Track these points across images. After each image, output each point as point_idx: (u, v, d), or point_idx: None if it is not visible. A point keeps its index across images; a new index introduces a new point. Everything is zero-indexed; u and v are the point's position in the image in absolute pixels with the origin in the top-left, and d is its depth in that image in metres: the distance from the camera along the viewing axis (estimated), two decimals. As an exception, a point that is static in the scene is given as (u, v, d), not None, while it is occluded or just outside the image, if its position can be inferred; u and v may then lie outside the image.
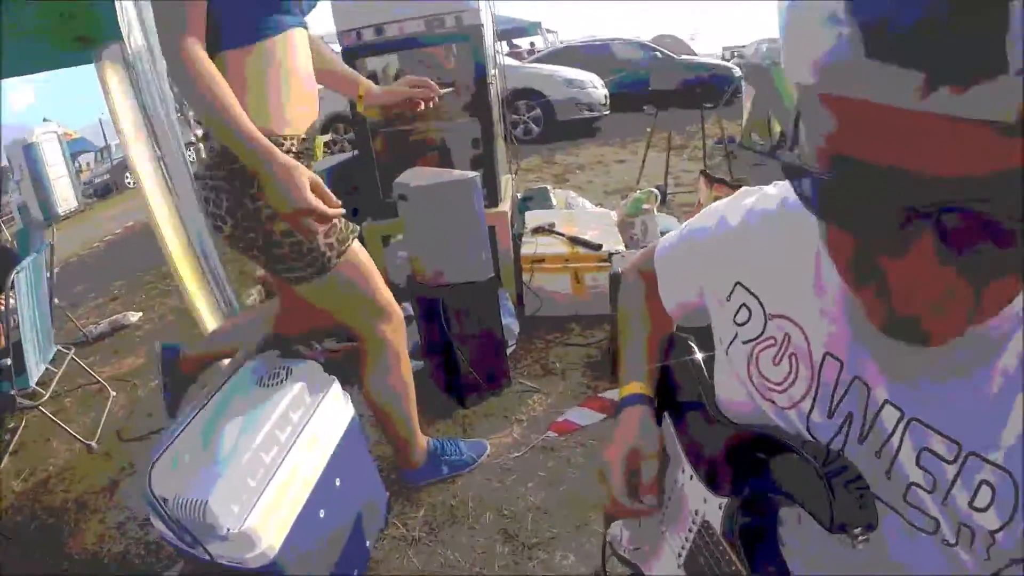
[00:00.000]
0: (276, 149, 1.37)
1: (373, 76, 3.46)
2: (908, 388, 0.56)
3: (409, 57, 3.54)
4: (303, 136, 1.64)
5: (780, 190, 0.73)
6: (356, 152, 3.52)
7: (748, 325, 0.71)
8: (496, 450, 2.33)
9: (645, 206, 4.03)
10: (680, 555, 0.81)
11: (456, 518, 2.04)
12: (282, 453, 1.50)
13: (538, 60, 10.80)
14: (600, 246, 3.30)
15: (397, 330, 1.86)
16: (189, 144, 5.82)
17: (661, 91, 5.92)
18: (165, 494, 1.33)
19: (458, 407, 2.61)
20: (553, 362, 2.91)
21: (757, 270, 0.71)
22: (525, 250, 3.33)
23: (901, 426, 0.56)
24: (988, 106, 0.32)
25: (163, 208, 2.68)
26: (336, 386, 1.75)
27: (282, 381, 1.64)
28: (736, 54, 8.87)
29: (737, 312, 0.73)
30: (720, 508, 0.73)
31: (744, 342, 0.72)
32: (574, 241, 3.38)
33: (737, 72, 7.93)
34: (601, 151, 8.18)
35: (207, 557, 1.35)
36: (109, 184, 13.65)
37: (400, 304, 3.05)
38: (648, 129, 5.98)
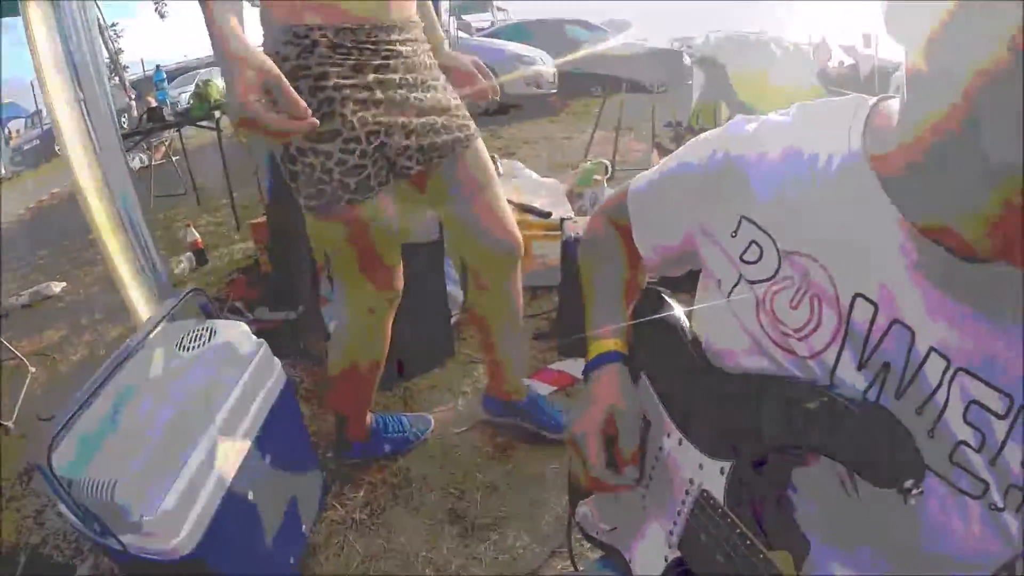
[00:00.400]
0: (230, 36, 1.05)
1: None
2: (959, 333, 0.50)
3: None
4: (347, 26, 1.30)
5: (795, 115, 0.64)
6: None
7: (758, 264, 0.62)
8: (440, 425, 2.19)
9: (596, 177, 3.96)
10: (672, 532, 0.70)
11: (400, 498, 1.90)
12: (204, 426, 1.33)
13: (488, 36, 10.59)
14: (549, 214, 3.19)
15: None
16: (122, 112, 5.45)
17: (609, 76, 5.83)
18: (69, 475, 1.15)
19: (399, 378, 2.44)
20: None
21: (769, 202, 0.61)
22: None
23: (947, 377, 0.51)
24: None
25: (83, 161, 2.43)
26: (266, 349, 1.56)
27: (204, 343, 1.45)
28: (686, 44, 8.93)
29: (746, 250, 0.63)
30: (723, 473, 0.63)
31: (752, 282, 0.62)
32: (522, 208, 3.25)
33: (687, 59, 7.99)
34: (548, 128, 8.09)
35: (119, 548, 1.17)
36: (39, 150, 12.76)
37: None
38: (596, 111, 5.92)
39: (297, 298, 2.85)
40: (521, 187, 3.71)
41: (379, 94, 1.37)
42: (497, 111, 8.69)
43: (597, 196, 3.87)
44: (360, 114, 1.34)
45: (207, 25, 1.08)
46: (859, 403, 0.53)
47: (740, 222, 0.64)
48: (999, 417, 0.49)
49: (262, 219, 3.47)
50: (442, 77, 1.56)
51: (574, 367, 2.45)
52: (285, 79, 1.01)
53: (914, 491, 0.49)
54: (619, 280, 0.85)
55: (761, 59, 6.37)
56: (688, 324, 0.77)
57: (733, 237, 0.65)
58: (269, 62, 1.02)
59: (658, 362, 0.78)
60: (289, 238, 2.92)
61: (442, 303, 2.47)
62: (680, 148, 0.76)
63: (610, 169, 4.82)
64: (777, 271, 0.61)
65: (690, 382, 0.72)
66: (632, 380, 0.78)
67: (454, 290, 2.81)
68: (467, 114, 1.60)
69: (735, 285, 0.65)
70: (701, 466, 0.67)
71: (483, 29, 11.19)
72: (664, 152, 4.13)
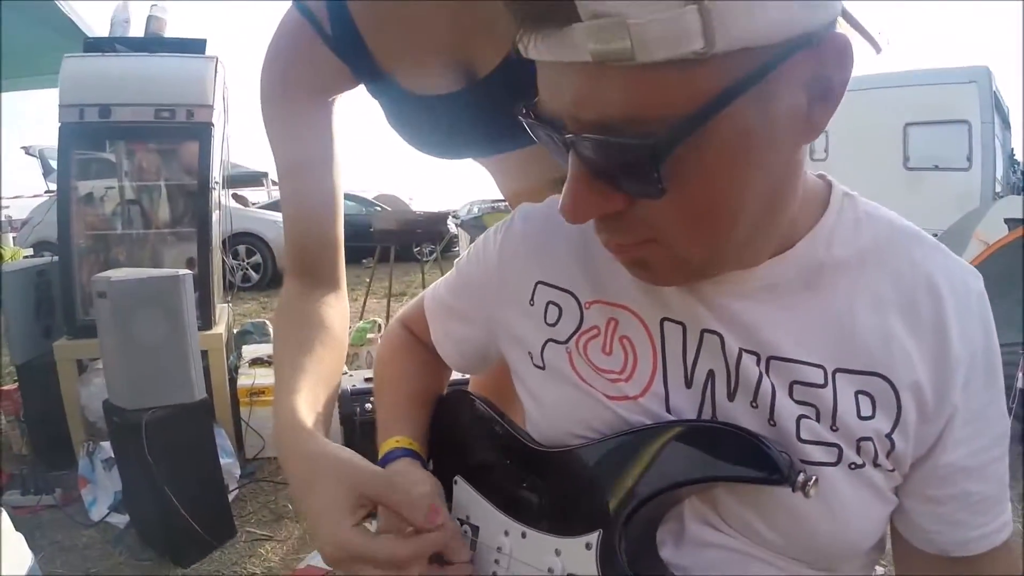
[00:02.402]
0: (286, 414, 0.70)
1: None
2: (751, 330, 0.55)
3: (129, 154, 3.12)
4: None
5: (547, 201, 0.72)
6: (54, 257, 2.94)
7: (561, 323, 0.64)
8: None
9: (370, 335, 4.03)
10: None
11: None
12: None
13: (263, 208, 10.64)
14: (325, 378, 3.17)
15: None
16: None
17: (383, 230, 6.14)
18: None
19: (174, 567, 2.14)
20: (285, 505, 2.58)
21: (554, 264, 0.66)
22: (242, 381, 3.05)
23: (763, 367, 0.54)
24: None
25: None
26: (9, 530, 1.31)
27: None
28: (453, 214, 9.84)
29: (546, 312, 0.65)
30: (589, 548, 0.58)
31: (561, 341, 0.63)
32: (297, 373, 3.20)
33: (452, 226, 8.77)
34: (321, 298, 8.09)
35: None
36: None
37: (97, 444, 2.57)
38: (367, 280, 6.15)
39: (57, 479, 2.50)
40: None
41: None
42: (270, 283, 8.59)
43: (372, 355, 3.94)
44: None
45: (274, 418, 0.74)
46: (712, 424, 0.56)
47: (535, 287, 0.66)
48: (820, 387, 0.52)
49: (12, 385, 3.05)
50: None
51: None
52: (407, 497, 0.62)
53: (811, 483, 0.49)
54: (410, 382, 0.81)
55: None
56: (502, 416, 0.72)
57: (532, 305, 0.66)
58: (374, 482, 0.62)
59: (476, 461, 0.73)
60: (49, 404, 2.62)
61: (217, 472, 2.27)
62: (461, 257, 0.79)
63: (383, 327, 4.97)
64: (580, 323, 0.62)
65: (524, 471, 0.67)
66: (444, 486, 0.69)
67: (230, 464, 2.60)
68: None
69: (543, 349, 0.64)
70: (558, 551, 0.61)
71: (257, 203, 11.27)
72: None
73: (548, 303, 0.64)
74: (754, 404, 0.54)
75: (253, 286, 8.53)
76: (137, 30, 3.01)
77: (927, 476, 0.54)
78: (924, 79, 7.20)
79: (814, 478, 0.49)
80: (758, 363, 0.54)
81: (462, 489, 0.72)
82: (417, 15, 0.81)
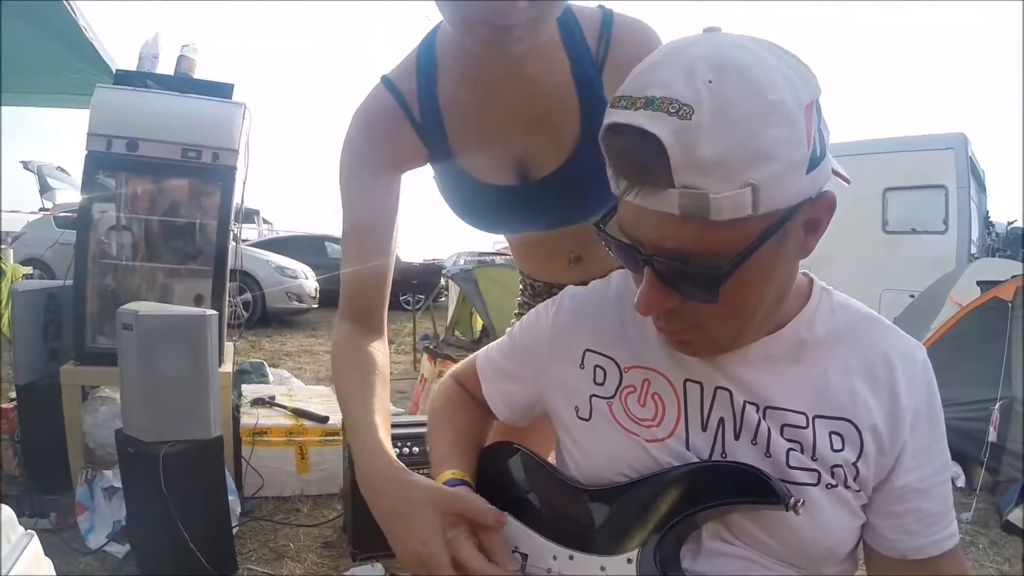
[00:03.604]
0: (375, 453, 0.82)
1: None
2: (752, 387, 0.72)
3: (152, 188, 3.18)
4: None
5: (592, 285, 0.89)
6: (69, 281, 2.96)
7: (607, 383, 0.79)
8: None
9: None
10: None
11: None
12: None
13: (253, 245, 10.66)
14: (327, 418, 3.19)
15: None
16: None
17: None
18: None
19: None
20: (286, 544, 2.58)
21: (599, 336, 0.82)
22: (245, 421, 3.06)
23: (760, 415, 0.71)
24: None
25: None
26: (35, 543, 1.34)
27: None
28: (439, 264, 9.92)
29: (594, 373, 0.81)
30: (631, 561, 0.72)
31: (606, 398, 0.79)
32: (298, 413, 3.22)
33: (441, 279, 8.82)
34: (308, 342, 8.07)
35: None
36: None
37: (98, 472, 2.55)
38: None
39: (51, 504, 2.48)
40: (295, 393, 3.68)
41: None
42: (259, 322, 8.56)
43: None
44: None
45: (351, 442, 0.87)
46: (729, 463, 0.72)
47: (584, 354, 0.81)
48: (803, 428, 0.70)
49: (11, 403, 3.02)
50: None
51: (371, 572, 2.38)
52: (479, 506, 0.75)
53: (799, 503, 0.64)
54: (461, 427, 0.93)
55: (506, 276, 7.27)
56: (545, 462, 0.86)
57: (582, 368, 0.81)
58: (453, 500, 0.75)
59: (521, 497, 0.84)
60: (48, 427, 2.61)
61: (225, 508, 2.28)
62: (516, 324, 0.94)
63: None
64: (621, 383, 0.78)
65: (571, 505, 0.80)
66: None
67: (232, 501, 2.59)
68: None
69: (591, 403, 0.80)
70: (603, 567, 0.74)
71: (248, 240, 11.30)
72: (434, 357, 4.38)
73: (595, 366, 0.81)
74: (754, 442, 0.71)
75: (242, 324, 8.51)
76: (164, 66, 3.08)
77: (887, 496, 0.70)
78: (903, 146, 7.51)
79: (802, 500, 0.65)
80: (757, 411, 0.71)
81: (510, 524, 0.83)
82: (497, 118, 0.96)
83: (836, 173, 0.69)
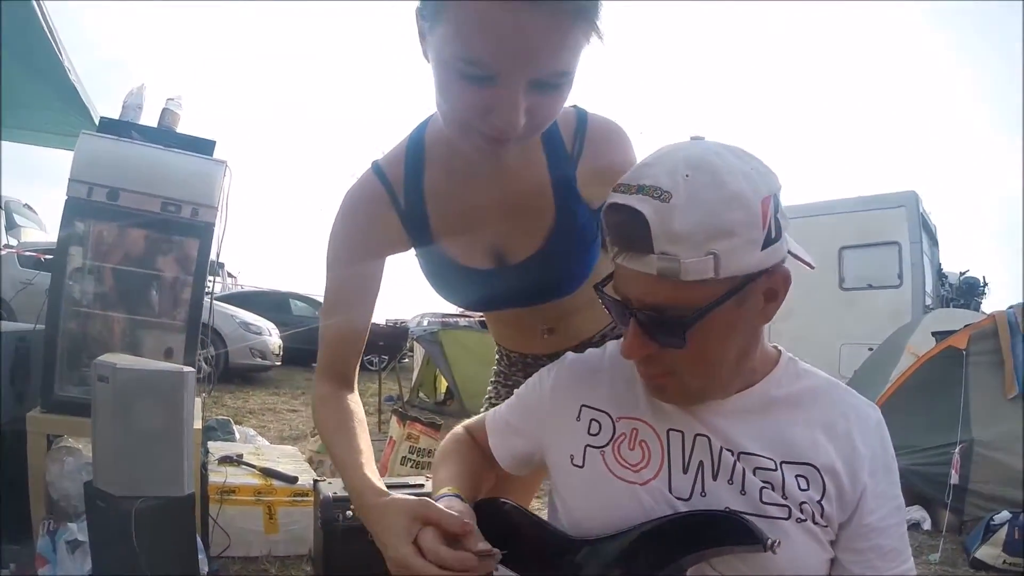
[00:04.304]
0: (364, 485, 0.93)
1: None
2: (728, 436, 0.83)
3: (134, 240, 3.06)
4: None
5: (588, 352, 1.01)
6: (41, 326, 2.88)
7: (601, 433, 0.90)
8: None
9: (336, 445, 3.97)
10: None
11: None
12: None
13: (217, 299, 10.45)
14: (296, 479, 3.12)
15: None
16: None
17: None
18: None
19: None
20: None
21: (594, 393, 0.93)
22: (214, 479, 2.98)
23: (735, 458, 0.81)
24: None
25: None
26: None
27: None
28: (405, 326, 9.86)
29: (589, 426, 0.91)
30: None
31: (599, 447, 0.89)
32: (266, 473, 3.15)
33: (407, 342, 8.77)
34: (272, 399, 7.90)
35: None
36: None
37: (61, 523, 2.42)
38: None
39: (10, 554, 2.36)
40: (262, 452, 3.60)
41: None
42: (221, 378, 8.35)
43: (337, 464, 3.87)
44: None
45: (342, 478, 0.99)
46: (707, 512, 0.79)
47: (580, 409, 0.93)
48: (773, 471, 0.80)
49: None
50: None
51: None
52: (446, 512, 0.82)
53: (777, 543, 0.72)
54: (465, 465, 1.02)
55: (470, 339, 7.27)
56: (534, 516, 0.94)
57: (578, 421, 0.92)
58: (422, 505, 0.83)
59: (512, 549, 0.87)
60: (9, 474, 2.51)
61: (195, 566, 2.20)
62: (521, 387, 1.05)
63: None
64: (614, 433, 0.89)
65: (562, 554, 0.86)
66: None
67: (200, 559, 2.50)
68: None
69: (584, 452, 0.89)
70: None
71: (210, 292, 11.11)
72: (403, 419, 4.32)
73: (591, 420, 0.91)
74: (730, 481, 0.80)
75: (204, 378, 8.26)
76: (147, 117, 3.06)
77: (851, 534, 0.80)
78: (856, 206, 7.85)
79: (779, 541, 0.73)
80: (733, 455, 0.81)
81: (501, 572, 0.89)
82: (478, 208, 1.05)
83: (798, 258, 0.81)
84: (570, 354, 1.02)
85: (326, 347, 1.10)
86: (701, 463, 0.83)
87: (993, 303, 8.39)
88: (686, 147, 0.76)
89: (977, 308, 7.73)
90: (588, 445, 0.90)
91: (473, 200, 1.03)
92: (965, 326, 4.34)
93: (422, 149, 1.03)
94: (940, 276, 8.48)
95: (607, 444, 0.88)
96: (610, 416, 0.90)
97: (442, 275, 1.13)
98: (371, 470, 0.95)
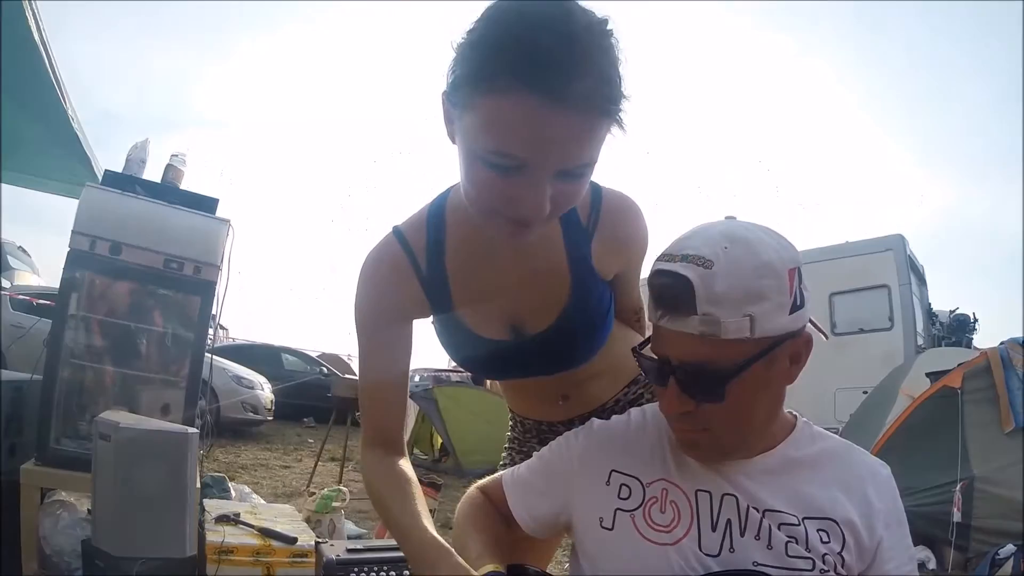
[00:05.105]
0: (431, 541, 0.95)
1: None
2: (753, 494, 0.88)
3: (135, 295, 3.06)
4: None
5: (613, 419, 1.05)
6: (38, 376, 2.85)
7: (631, 497, 0.93)
8: None
9: (335, 504, 3.93)
10: None
11: None
12: None
13: (209, 352, 10.35)
14: (295, 539, 3.06)
15: None
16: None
17: (342, 398, 6.11)
18: None
19: None
20: None
21: (623, 458, 0.96)
22: (211, 539, 2.91)
23: (761, 515, 0.86)
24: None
25: None
26: None
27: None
28: None
29: (619, 491, 0.94)
30: None
31: (630, 511, 0.91)
32: (265, 533, 3.09)
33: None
34: (263, 455, 7.76)
35: None
36: None
37: None
38: (311, 441, 5.99)
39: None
40: (258, 511, 3.53)
41: None
42: (211, 432, 8.21)
43: (335, 523, 3.80)
44: None
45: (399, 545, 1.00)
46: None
47: (610, 474, 0.95)
48: (796, 526, 0.85)
49: None
50: None
51: None
52: None
53: None
54: (492, 533, 1.01)
55: (464, 395, 7.23)
56: None
57: (608, 485, 0.94)
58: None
59: None
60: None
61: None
62: (543, 450, 1.07)
63: (347, 497, 4.79)
64: (644, 496, 0.92)
65: None
66: None
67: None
68: None
69: (614, 516, 0.92)
70: None
71: (210, 348, 11.01)
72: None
73: (621, 484, 0.94)
74: (757, 537, 0.85)
75: (210, 435, 8.12)
76: (151, 172, 3.09)
77: None
78: (844, 252, 8.00)
79: None
80: (759, 513, 0.86)
81: None
82: (496, 281, 1.07)
83: (817, 327, 0.90)
84: (596, 420, 1.05)
85: (366, 413, 1.11)
86: (729, 521, 0.87)
87: (984, 337, 8.52)
88: (722, 224, 0.85)
89: (969, 344, 7.81)
90: (619, 509, 0.92)
91: (492, 273, 1.05)
92: (958, 365, 4.37)
93: (443, 219, 1.05)
94: (930, 315, 8.58)
95: (638, 508, 0.92)
96: (640, 481, 0.94)
97: (459, 343, 1.14)
98: (432, 530, 0.95)
